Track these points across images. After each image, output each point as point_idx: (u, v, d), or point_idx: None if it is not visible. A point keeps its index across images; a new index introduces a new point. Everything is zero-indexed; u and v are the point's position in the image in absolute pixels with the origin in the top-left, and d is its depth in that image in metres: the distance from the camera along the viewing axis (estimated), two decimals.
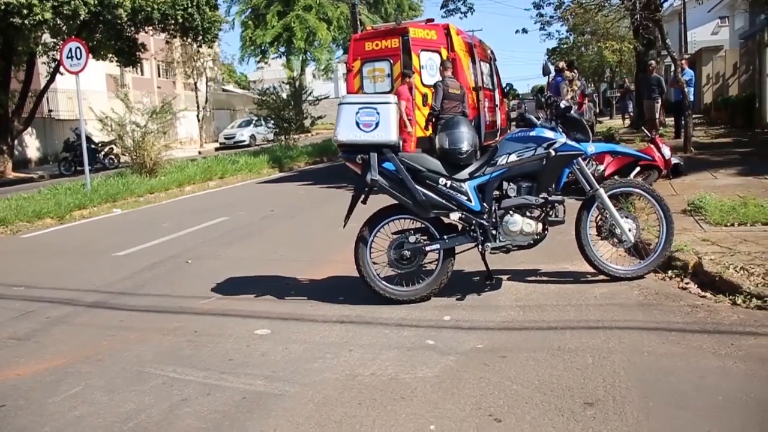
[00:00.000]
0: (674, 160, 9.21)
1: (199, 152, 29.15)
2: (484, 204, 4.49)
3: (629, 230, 4.64)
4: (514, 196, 4.51)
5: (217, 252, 7.04)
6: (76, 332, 4.62)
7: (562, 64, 12.33)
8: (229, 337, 4.20)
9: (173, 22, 19.41)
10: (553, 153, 4.45)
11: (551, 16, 14.14)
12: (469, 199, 4.48)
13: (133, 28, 20.79)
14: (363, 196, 4.65)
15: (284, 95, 20.80)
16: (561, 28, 15.00)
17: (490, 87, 14.00)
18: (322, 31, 31.85)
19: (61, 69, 20.97)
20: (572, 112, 4.63)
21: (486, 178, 4.50)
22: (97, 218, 10.53)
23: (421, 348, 3.70)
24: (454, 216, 4.45)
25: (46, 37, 20.32)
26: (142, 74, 35.93)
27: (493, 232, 4.50)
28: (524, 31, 15.42)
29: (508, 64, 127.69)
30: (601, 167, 8.56)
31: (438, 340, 3.80)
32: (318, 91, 23.23)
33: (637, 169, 8.40)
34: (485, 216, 4.49)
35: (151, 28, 20.40)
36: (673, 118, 15.73)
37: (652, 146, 8.71)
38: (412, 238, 4.58)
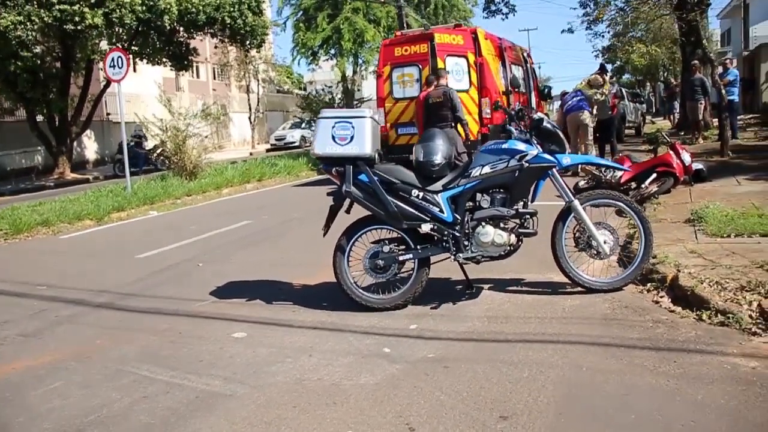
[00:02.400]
0: (696, 166, 9.05)
1: (251, 153, 29.90)
2: (457, 215, 4.59)
3: (605, 242, 4.64)
4: (487, 208, 4.59)
5: (229, 256, 7.34)
6: (77, 331, 4.95)
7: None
8: (208, 339, 4.44)
9: (219, 26, 20.00)
10: (525, 165, 4.51)
11: (589, 15, 13.89)
12: (441, 211, 4.58)
13: (185, 33, 21.56)
14: (344, 206, 4.84)
15: (326, 98, 21.12)
16: (607, 29, 14.64)
17: (524, 90, 13.92)
18: (369, 33, 32.08)
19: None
20: (545, 123, 4.66)
21: (459, 190, 4.60)
22: (133, 220, 11.05)
23: (375, 356, 3.85)
24: (426, 227, 4.57)
25: (104, 45, 21.25)
26: (198, 77, 37.09)
27: (465, 242, 4.60)
28: (570, 31, 15.23)
29: (563, 64, 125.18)
30: (618, 173, 8.50)
31: (395, 349, 3.94)
32: (368, 91, 23.41)
33: (654, 175, 8.31)
34: (457, 227, 4.59)
35: (198, 32, 21.06)
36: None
37: (670, 152, 8.59)
38: (386, 248, 4.72)
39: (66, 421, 3.30)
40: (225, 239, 8.40)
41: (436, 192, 4.62)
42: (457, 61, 11.47)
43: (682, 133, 17.10)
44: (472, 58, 11.51)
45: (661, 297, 4.52)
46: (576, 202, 4.64)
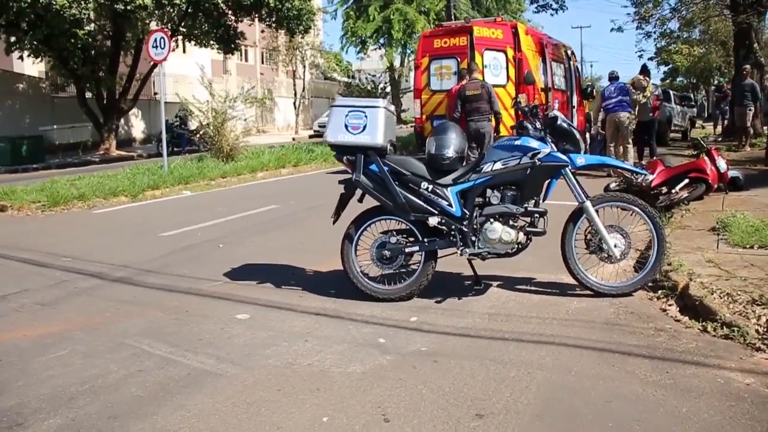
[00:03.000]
0: (732, 174, 8.77)
1: (293, 139, 30.16)
2: (465, 210, 4.56)
3: (615, 246, 4.54)
4: (497, 204, 4.54)
5: (250, 239, 7.43)
6: (92, 303, 5.09)
7: (614, 72, 12.06)
8: (212, 318, 4.52)
9: (266, 10, 20.18)
10: (537, 163, 4.45)
11: (639, 14, 13.53)
12: (450, 204, 4.55)
13: (233, 17, 21.83)
14: (356, 195, 4.86)
15: (369, 87, 21.16)
16: (655, 29, 14.22)
17: (564, 88, 13.69)
18: (420, 24, 32.03)
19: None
20: (560, 121, 4.57)
21: (469, 185, 4.56)
22: (167, 198, 11.28)
23: (369, 345, 3.86)
24: (433, 220, 4.54)
25: (153, 25, 21.69)
26: (246, 61, 37.56)
27: (473, 238, 4.56)
28: (619, 29, 14.83)
29: (615, 63, 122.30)
30: (651, 177, 8.31)
31: (390, 339, 3.94)
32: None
33: (686, 181, 8.09)
34: (465, 222, 4.55)
35: (245, 16, 21.30)
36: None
37: (705, 158, 8.34)
38: (393, 239, 4.72)
39: (62, 389, 3.40)
40: (249, 222, 8.51)
41: (446, 186, 4.59)
42: (495, 55, 11.36)
43: (730, 139, 16.58)
44: (510, 53, 11.38)
45: (670, 305, 4.41)
46: (588, 204, 4.55)
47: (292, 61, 33.53)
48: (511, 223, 4.53)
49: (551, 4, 17.56)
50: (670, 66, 32.08)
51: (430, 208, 4.56)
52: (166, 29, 21.58)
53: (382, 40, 35.75)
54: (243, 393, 3.24)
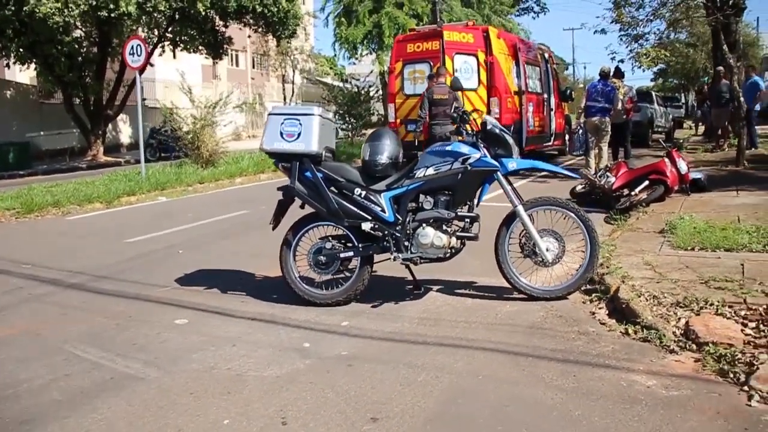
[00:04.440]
0: (694, 175, 8.86)
1: None
2: (398, 215, 4.63)
3: (547, 250, 4.61)
4: (429, 209, 4.61)
5: (213, 244, 7.50)
6: (41, 309, 5.15)
7: (606, 69, 11.89)
8: (152, 323, 4.59)
9: (251, 15, 20.25)
10: (468, 168, 4.52)
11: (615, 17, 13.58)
12: (383, 210, 4.63)
13: (220, 22, 21.90)
14: (297, 201, 4.95)
15: (354, 91, 21.24)
16: (629, 30, 14.24)
17: (539, 91, 13.76)
18: (410, 27, 32.18)
19: (151, 60, 22.73)
20: (491, 126, 4.64)
21: (402, 190, 4.64)
22: (141, 205, 11.34)
23: (292, 349, 3.93)
24: (366, 226, 4.62)
25: (140, 31, 21.78)
26: (237, 65, 37.67)
27: (406, 243, 4.64)
28: (603, 32, 14.88)
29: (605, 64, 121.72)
30: (612, 179, 8.39)
31: (315, 344, 4.01)
32: None
33: (646, 182, 8.17)
34: (398, 227, 4.63)
35: (234, 21, 21.37)
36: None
37: (666, 160, 8.43)
38: (328, 245, 4.80)
39: None
40: (216, 228, 8.59)
41: (380, 191, 4.66)
42: (466, 59, 11.45)
43: (711, 140, 16.66)
44: (482, 56, 11.47)
45: (600, 308, 4.48)
46: (520, 208, 4.62)
47: (281, 66, 33.64)
48: (443, 228, 4.60)
49: (533, 7, 17.57)
50: (659, 67, 32.22)
51: (364, 214, 4.64)
52: (149, 36, 21.89)
53: (373, 45, 35.84)
54: (157, 396, 3.32)
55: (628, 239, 6.13)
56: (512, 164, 4.62)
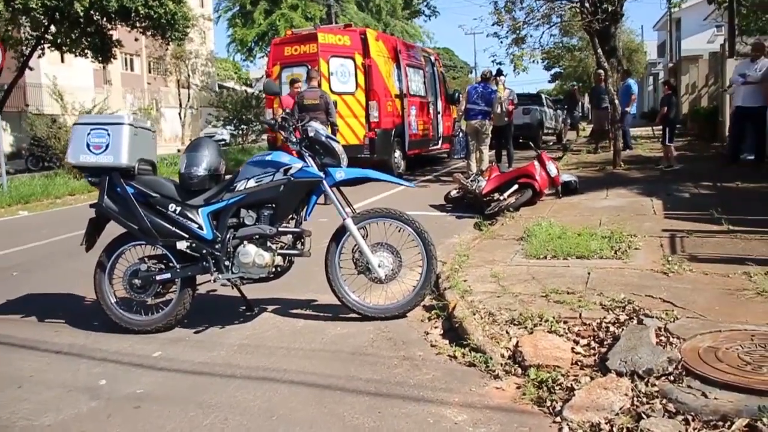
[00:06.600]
0: (565, 178, 8.90)
1: (179, 150, 29.17)
2: (217, 233, 4.24)
3: (379, 266, 4.32)
4: (251, 225, 4.25)
5: (58, 264, 6.83)
6: None
7: (488, 72, 11.90)
8: None
9: (136, 16, 19.23)
10: (291, 179, 4.19)
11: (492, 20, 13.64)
12: (200, 227, 4.22)
13: (107, 23, 20.73)
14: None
15: (242, 96, 20.64)
16: (535, 32, 14.39)
17: (423, 94, 13.68)
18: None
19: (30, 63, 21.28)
20: (315, 134, 4.32)
21: (221, 205, 4.25)
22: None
23: (85, 390, 3.46)
24: (181, 245, 4.20)
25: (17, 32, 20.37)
26: (132, 70, 36.05)
27: (227, 262, 4.25)
28: (495, 35, 14.84)
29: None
30: (483, 183, 8.30)
31: (112, 381, 3.56)
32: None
33: (515, 186, 8.11)
34: (218, 245, 4.24)
35: (120, 22, 20.27)
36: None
37: (535, 163, 8.40)
38: (144, 266, 4.35)
39: None
40: (67, 245, 7.87)
41: (198, 207, 4.25)
42: (342, 62, 11.17)
43: (591, 142, 17.12)
44: (359, 59, 11.21)
45: (435, 328, 4.20)
46: (349, 221, 4.31)
47: (176, 71, 32.43)
48: (267, 244, 4.24)
49: (423, 11, 17.51)
50: (554, 71, 33.13)
51: (179, 232, 4.22)
52: (27, 36, 20.47)
53: (269, 48, 35.21)
54: None
55: (483, 248, 5.97)
56: (340, 174, 4.29)
